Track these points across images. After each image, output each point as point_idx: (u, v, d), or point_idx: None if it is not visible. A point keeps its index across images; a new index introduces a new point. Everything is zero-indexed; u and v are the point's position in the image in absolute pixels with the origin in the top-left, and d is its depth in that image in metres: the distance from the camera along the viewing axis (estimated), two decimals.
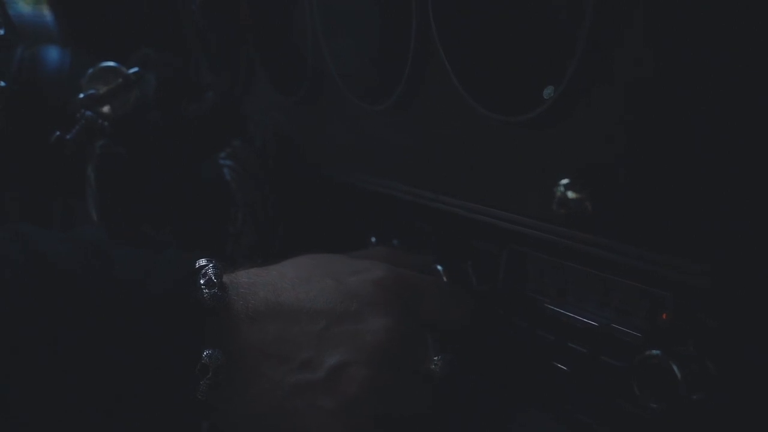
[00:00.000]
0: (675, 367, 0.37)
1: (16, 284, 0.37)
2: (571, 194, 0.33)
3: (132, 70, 0.50)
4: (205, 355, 0.38)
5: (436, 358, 0.42)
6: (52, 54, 0.56)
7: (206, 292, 0.39)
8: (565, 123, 0.36)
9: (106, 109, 0.50)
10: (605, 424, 0.45)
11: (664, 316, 0.38)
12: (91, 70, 0.50)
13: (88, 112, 0.48)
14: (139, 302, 0.38)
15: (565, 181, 0.34)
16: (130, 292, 0.38)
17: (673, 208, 0.33)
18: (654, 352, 0.37)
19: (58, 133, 0.48)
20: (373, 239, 0.57)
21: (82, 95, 0.49)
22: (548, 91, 0.37)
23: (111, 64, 0.51)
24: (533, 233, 0.40)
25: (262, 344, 0.40)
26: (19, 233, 0.39)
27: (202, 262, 0.40)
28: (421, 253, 0.52)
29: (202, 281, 0.39)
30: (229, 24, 0.56)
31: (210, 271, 0.40)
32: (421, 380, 0.43)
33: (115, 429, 0.38)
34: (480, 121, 0.41)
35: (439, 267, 0.50)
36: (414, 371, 0.43)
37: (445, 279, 0.50)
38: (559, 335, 0.45)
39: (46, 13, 0.69)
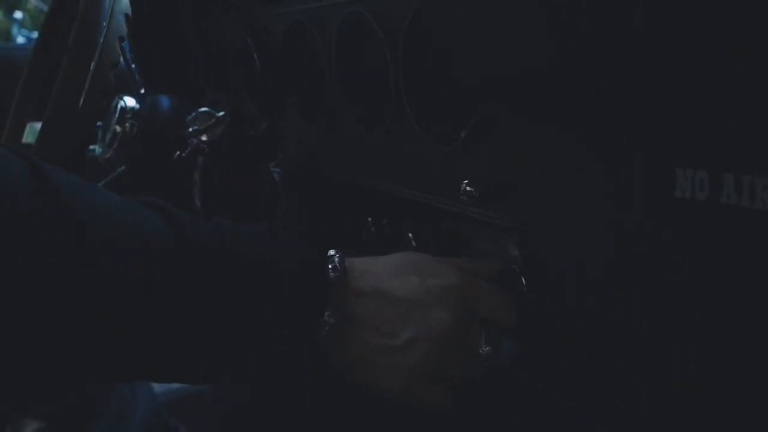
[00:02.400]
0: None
1: (210, 267, 0.47)
2: (468, 188, 0.55)
3: (220, 113, 0.77)
4: (326, 314, 0.49)
5: (485, 347, 0.53)
6: (164, 100, 0.80)
7: (332, 275, 0.50)
8: (471, 149, 0.55)
9: (204, 137, 0.75)
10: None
11: None
12: (194, 114, 0.77)
13: (194, 140, 0.74)
14: (293, 278, 0.49)
15: (466, 180, 0.55)
16: (287, 270, 0.49)
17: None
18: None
19: (178, 152, 0.75)
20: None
21: (190, 129, 0.75)
22: (462, 134, 0.55)
23: (206, 109, 0.78)
24: (453, 210, 0.59)
25: (364, 314, 0.51)
26: (219, 226, 0.49)
27: (332, 252, 0.52)
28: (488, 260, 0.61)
29: (330, 266, 0.50)
30: (274, 79, 0.77)
31: (336, 259, 0.51)
32: (469, 359, 0.53)
33: (270, 353, 0.50)
34: (425, 145, 0.59)
35: (410, 235, 0.70)
36: (465, 352, 0.53)
37: (414, 244, 0.70)
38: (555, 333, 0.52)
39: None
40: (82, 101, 0.54)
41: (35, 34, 1.91)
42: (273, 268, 0.49)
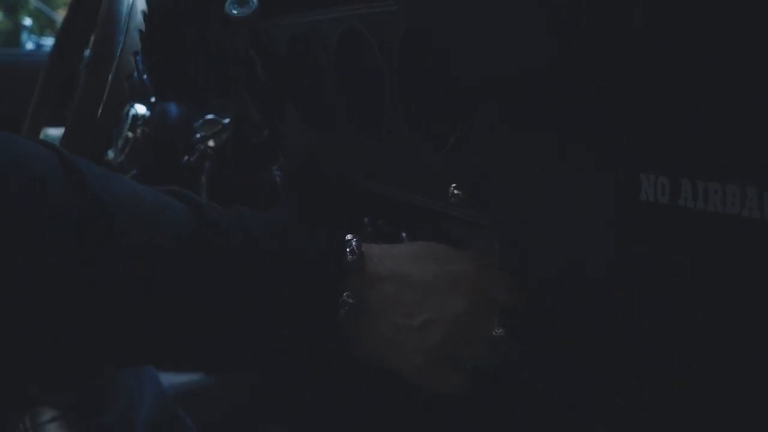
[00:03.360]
0: None
1: (232, 251, 0.47)
2: (455, 191, 0.58)
3: (225, 120, 0.81)
4: (345, 295, 0.50)
5: (498, 329, 0.54)
6: (173, 108, 0.84)
7: (350, 257, 0.51)
8: (459, 154, 0.59)
9: (211, 143, 0.79)
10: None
11: None
12: (201, 120, 0.81)
13: (201, 146, 0.78)
14: (312, 259, 0.50)
15: (454, 184, 0.59)
16: (307, 254, 0.51)
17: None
18: None
19: (186, 157, 0.79)
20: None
21: (198, 135, 0.79)
22: (452, 139, 0.59)
23: (212, 116, 0.81)
24: (442, 210, 0.63)
25: (382, 297, 0.52)
26: (241, 214, 0.50)
27: (349, 236, 0.52)
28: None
29: (348, 249, 0.51)
30: (276, 88, 0.80)
31: (354, 243, 0.52)
32: (484, 342, 0.54)
33: (291, 335, 0.51)
34: (418, 149, 0.64)
35: (404, 234, 0.73)
36: (480, 335, 0.53)
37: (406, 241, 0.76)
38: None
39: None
40: (100, 111, 0.58)
41: (43, 40, 1.94)
42: (294, 252, 0.50)
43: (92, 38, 0.65)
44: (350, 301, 0.51)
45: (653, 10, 0.39)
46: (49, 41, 1.99)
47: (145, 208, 0.45)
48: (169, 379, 1.03)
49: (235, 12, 0.64)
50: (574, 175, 0.48)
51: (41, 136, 0.90)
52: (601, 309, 0.50)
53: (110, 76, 0.58)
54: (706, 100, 0.39)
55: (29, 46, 1.88)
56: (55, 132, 0.90)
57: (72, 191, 0.41)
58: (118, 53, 0.59)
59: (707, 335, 0.42)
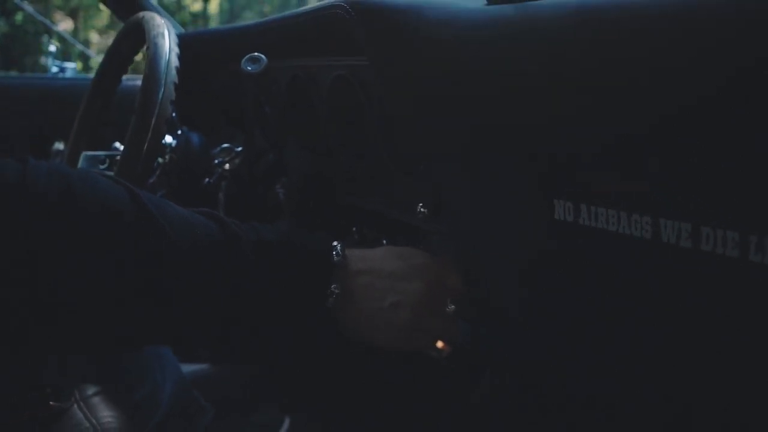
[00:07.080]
0: None
1: (249, 254, 0.55)
2: (422, 209, 0.67)
3: (238, 148, 0.92)
4: (332, 287, 0.58)
5: (451, 306, 0.62)
6: (195, 138, 0.92)
7: (336, 258, 0.59)
8: (424, 180, 0.66)
9: (227, 167, 0.87)
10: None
11: None
12: (218, 148, 0.90)
13: (219, 169, 0.87)
14: (304, 257, 0.58)
15: (420, 203, 0.67)
16: (302, 254, 0.58)
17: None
18: None
19: (206, 179, 0.89)
20: None
21: (216, 161, 0.89)
22: (420, 168, 0.67)
23: (227, 145, 0.91)
24: (415, 225, 0.71)
25: (361, 286, 0.60)
26: (255, 228, 0.58)
27: (335, 243, 0.60)
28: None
29: (334, 252, 0.59)
30: (280, 122, 0.88)
31: (338, 247, 0.60)
32: (441, 315, 0.62)
33: (290, 320, 0.58)
34: (395, 175, 0.71)
35: (384, 241, 0.80)
36: (437, 310, 0.62)
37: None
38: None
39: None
40: (146, 147, 0.70)
41: (66, 64, 2.06)
42: (295, 255, 0.58)
43: (133, 86, 0.76)
44: (336, 291, 0.59)
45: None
46: (70, 65, 2.10)
47: (187, 224, 0.54)
48: (186, 366, 1.07)
49: (249, 69, 0.75)
50: (508, 199, 0.56)
51: (80, 159, 1.00)
52: (529, 295, 0.59)
53: (153, 120, 0.70)
54: (590, 156, 0.48)
55: (54, 69, 1.98)
56: (90, 153, 1.01)
57: (138, 215, 0.51)
58: (159, 101, 0.70)
59: (602, 308, 0.49)
